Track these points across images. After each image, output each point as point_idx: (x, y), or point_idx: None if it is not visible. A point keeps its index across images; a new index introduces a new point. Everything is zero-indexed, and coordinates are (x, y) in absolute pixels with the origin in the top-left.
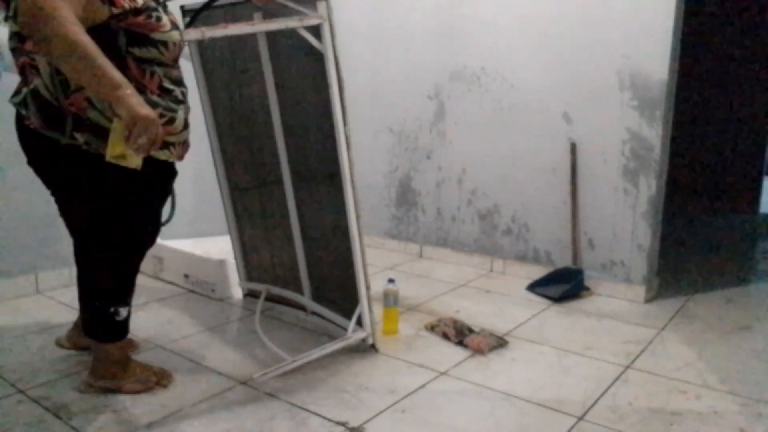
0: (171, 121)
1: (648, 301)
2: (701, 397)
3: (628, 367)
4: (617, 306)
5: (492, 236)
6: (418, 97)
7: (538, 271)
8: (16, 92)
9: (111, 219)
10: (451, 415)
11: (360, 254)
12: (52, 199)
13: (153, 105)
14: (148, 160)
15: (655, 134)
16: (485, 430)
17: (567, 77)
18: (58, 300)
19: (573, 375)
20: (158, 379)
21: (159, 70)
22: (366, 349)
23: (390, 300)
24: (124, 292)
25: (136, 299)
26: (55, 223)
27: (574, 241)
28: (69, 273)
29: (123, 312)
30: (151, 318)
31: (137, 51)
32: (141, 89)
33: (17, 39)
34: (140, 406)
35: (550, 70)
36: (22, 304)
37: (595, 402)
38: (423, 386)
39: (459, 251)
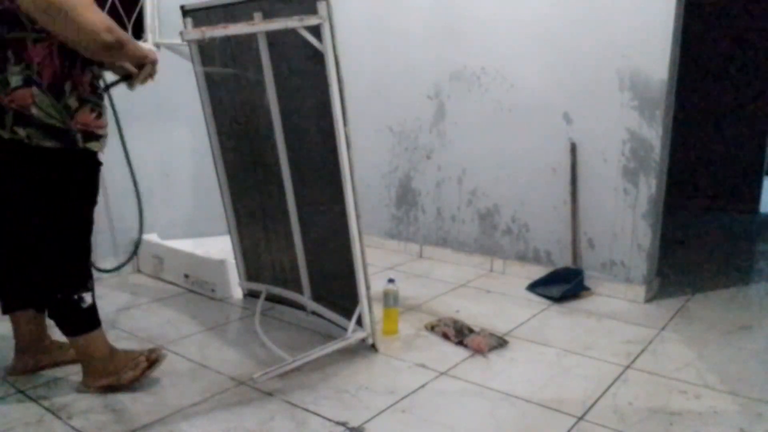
0: (100, 115)
1: (648, 301)
2: (701, 397)
3: (628, 367)
4: (617, 306)
5: (492, 236)
6: (418, 97)
7: (538, 271)
8: None
9: (58, 208)
10: (451, 415)
11: (360, 254)
12: None
13: (85, 101)
14: (85, 152)
15: (655, 134)
16: (485, 430)
17: (567, 77)
18: None
19: (573, 375)
20: (147, 358)
21: (95, 70)
22: (366, 349)
23: (390, 300)
24: (82, 277)
25: (137, 299)
26: None
27: (574, 241)
28: None
29: (87, 298)
30: (151, 318)
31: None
32: (75, 85)
33: None
34: (140, 406)
35: (550, 70)
36: None
37: (595, 402)
38: (423, 386)
39: (459, 251)
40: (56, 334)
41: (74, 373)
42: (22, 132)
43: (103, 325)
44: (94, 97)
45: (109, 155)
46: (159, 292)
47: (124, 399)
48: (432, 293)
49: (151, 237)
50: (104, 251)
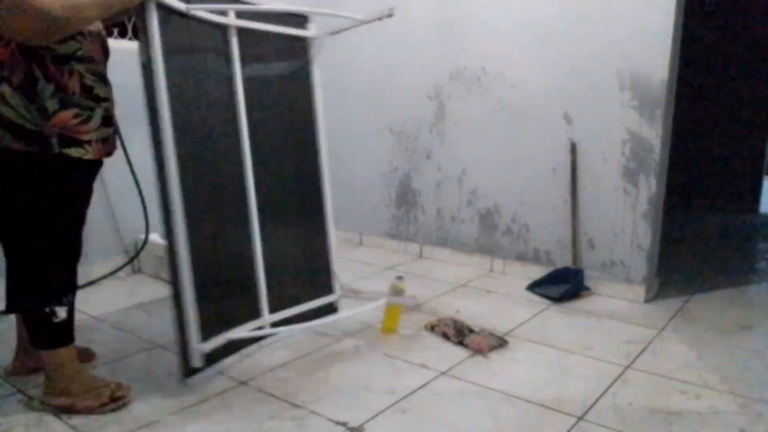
0: (87, 119)
1: (648, 301)
2: (701, 397)
3: (628, 367)
4: (617, 306)
5: (492, 236)
6: (418, 97)
7: (538, 271)
8: None
9: (28, 215)
10: (451, 415)
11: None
12: None
13: (70, 104)
14: (61, 158)
15: (655, 134)
16: (485, 430)
17: (567, 77)
18: None
19: (573, 375)
20: (112, 394)
21: (79, 67)
22: (366, 349)
23: (394, 293)
24: (55, 290)
25: (137, 299)
26: None
27: (574, 241)
28: None
29: (61, 313)
30: (151, 318)
31: (57, 47)
32: (60, 87)
33: None
34: (140, 406)
35: (551, 70)
36: None
37: (595, 402)
38: (423, 386)
39: (459, 251)
40: None
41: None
42: None
43: (104, 325)
44: (85, 100)
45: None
46: (159, 292)
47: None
48: (432, 293)
49: (151, 237)
50: (107, 252)
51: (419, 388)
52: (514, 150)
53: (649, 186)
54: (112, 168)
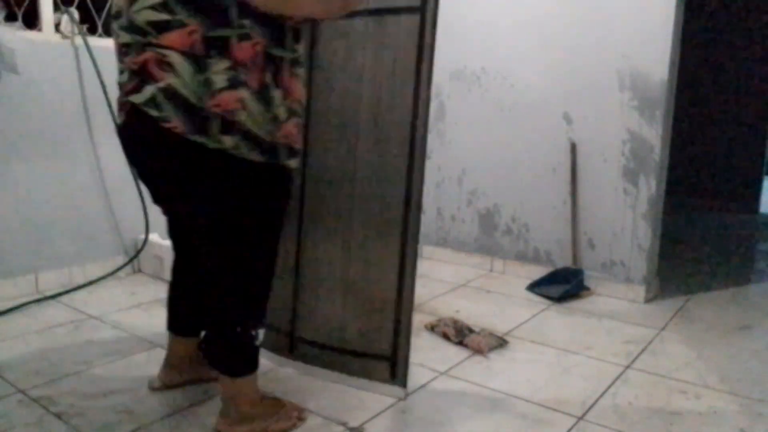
0: (300, 127)
1: (648, 301)
2: (701, 397)
3: (628, 367)
4: (617, 306)
5: (492, 236)
6: None
7: (538, 271)
8: (133, 90)
9: (255, 229)
10: (450, 415)
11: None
12: (52, 199)
13: (292, 113)
14: (284, 170)
15: (655, 134)
16: (485, 430)
17: (567, 77)
18: (58, 300)
19: (573, 375)
20: (299, 414)
21: (301, 72)
22: None
23: None
24: (262, 311)
25: (137, 299)
26: (55, 223)
27: (574, 241)
28: (69, 273)
29: (260, 335)
30: (151, 318)
31: (298, 48)
32: (287, 94)
33: (140, 33)
34: (141, 406)
35: (551, 70)
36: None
37: (595, 402)
38: (423, 386)
39: (459, 251)
40: None
41: (74, 373)
42: (229, 141)
43: (104, 325)
44: (301, 108)
45: (111, 154)
46: (159, 292)
47: (125, 400)
48: (432, 293)
49: (151, 237)
50: (107, 252)
51: (419, 388)
52: (514, 150)
53: (649, 186)
54: (112, 167)
